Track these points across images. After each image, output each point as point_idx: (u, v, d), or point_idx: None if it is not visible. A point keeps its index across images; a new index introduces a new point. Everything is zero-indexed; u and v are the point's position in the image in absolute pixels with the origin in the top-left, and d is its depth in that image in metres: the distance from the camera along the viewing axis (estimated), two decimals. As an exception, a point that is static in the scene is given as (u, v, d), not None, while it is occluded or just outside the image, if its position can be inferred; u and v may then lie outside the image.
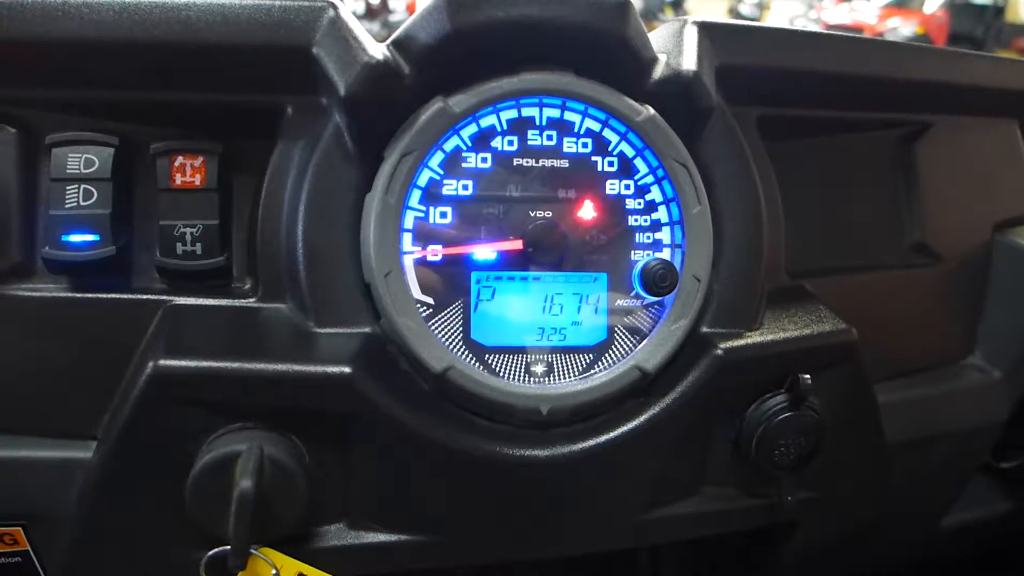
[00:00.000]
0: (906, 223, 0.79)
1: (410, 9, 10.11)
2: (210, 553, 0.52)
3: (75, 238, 0.56)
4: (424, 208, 0.56)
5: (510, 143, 0.57)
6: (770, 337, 0.60)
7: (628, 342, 0.59)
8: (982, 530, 0.96)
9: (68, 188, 0.56)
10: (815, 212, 0.74)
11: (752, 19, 12.43)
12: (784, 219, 0.68)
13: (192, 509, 0.50)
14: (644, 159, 0.59)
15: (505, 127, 0.57)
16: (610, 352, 0.59)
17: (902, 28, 10.45)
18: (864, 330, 0.64)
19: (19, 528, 0.58)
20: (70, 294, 0.56)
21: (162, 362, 0.50)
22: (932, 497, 0.89)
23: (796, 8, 12.94)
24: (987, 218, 0.84)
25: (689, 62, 0.57)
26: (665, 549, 0.84)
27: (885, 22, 10.75)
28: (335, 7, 0.54)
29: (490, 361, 0.57)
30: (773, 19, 13.04)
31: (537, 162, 0.57)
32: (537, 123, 0.57)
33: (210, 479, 0.49)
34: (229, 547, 0.48)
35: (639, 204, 0.59)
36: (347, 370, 0.51)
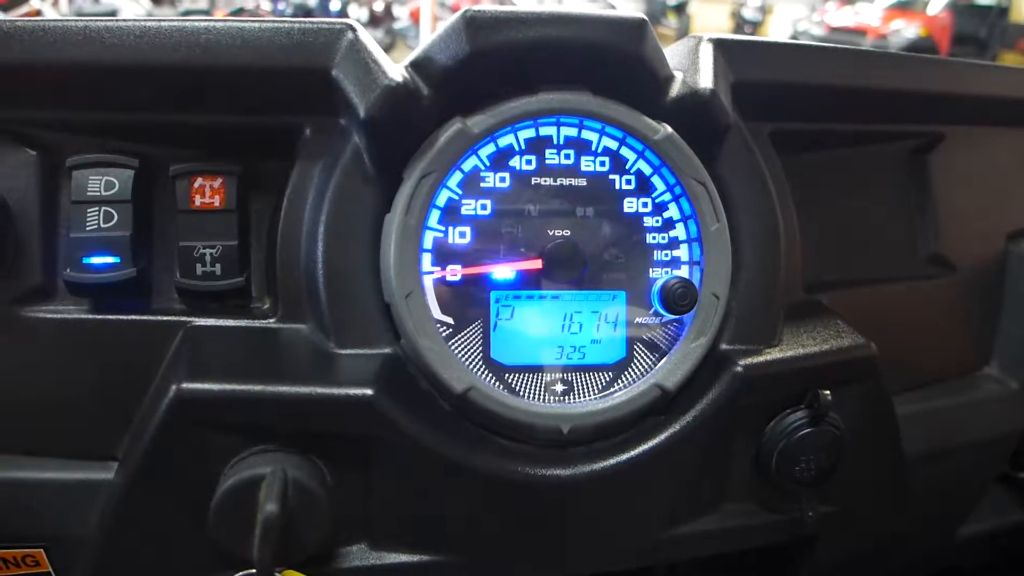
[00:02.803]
0: (920, 234, 0.79)
1: (413, 16, 10.15)
2: (234, 576, 0.52)
3: (96, 260, 0.56)
4: (443, 228, 0.56)
5: (528, 162, 0.57)
6: (790, 353, 0.60)
7: (647, 360, 0.59)
8: (999, 539, 0.96)
9: (89, 210, 0.56)
10: (829, 225, 0.74)
11: (755, 23, 12.44)
12: (799, 233, 0.68)
13: (216, 532, 0.50)
14: (661, 177, 0.59)
15: (523, 146, 0.57)
16: (630, 370, 0.59)
17: (905, 30, 10.44)
18: (880, 342, 0.64)
19: (40, 550, 0.59)
20: (90, 316, 0.57)
21: (185, 385, 0.50)
22: (949, 507, 0.89)
23: (799, 11, 12.94)
24: (1001, 228, 0.84)
25: (706, 80, 0.57)
26: (683, 565, 0.84)
27: (888, 24, 10.74)
28: (354, 30, 0.54)
29: (510, 380, 0.57)
30: (776, 22, 13.04)
31: (555, 181, 0.58)
32: (555, 142, 0.57)
33: (234, 502, 0.49)
34: (253, 570, 0.48)
35: (657, 222, 0.59)
36: (369, 392, 0.51)
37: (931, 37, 10.32)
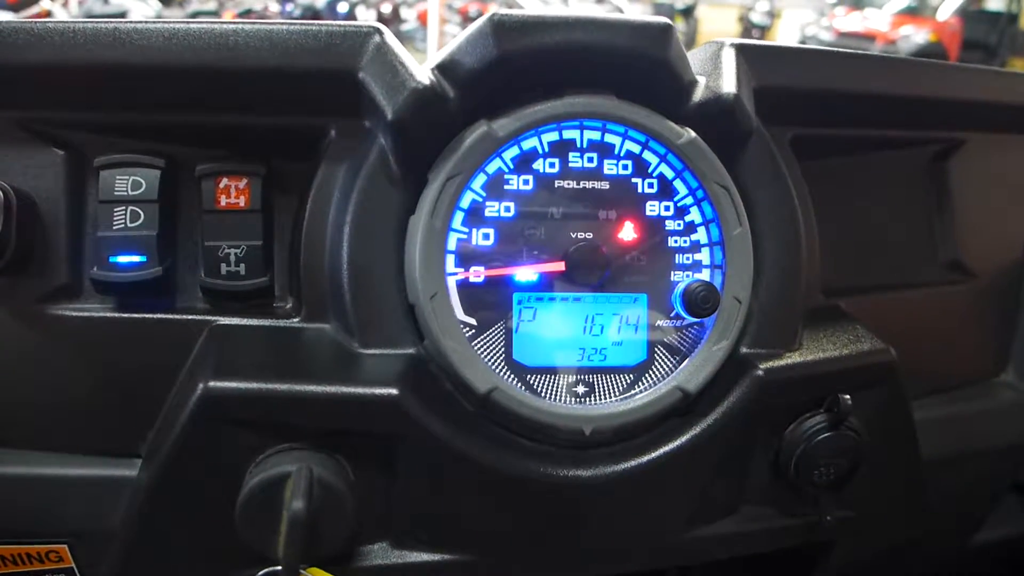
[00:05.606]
0: (939, 240, 0.79)
1: (421, 18, 10.16)
2: (259, 574, 0.52)
3: (123, 259, 0.56)
4: (467, 230, 0.56)
5: (551, 165, 0.57)
6: (810, 357, 0.60)
7: (668, 362, 0.59)
8: (1011, 548, 0.95)
9: (116, 210, 0.57)
10: (849, 230, 0.74)
11: (763, 27, 12.43)
12: (818, 238, 0.68)
13: (242, 529, 0.50)
14: (683, 180, 0.59)
15: (547, 149, 0.57)
16: (650, 372, 0.59)
17: (915, 36, 10.41)
18: (897, 348, 0.64)
19: (64, 545, 0.59)
20: (116, 314, 0.57)
21: (212, 383, 0.51)
22: (964, 515, 0.89)
23: (808, 16, 12.91)
24: (1020, 234, 0.84)
25: (729, 84, 0.58)
26: (696, 568, 0.84)
27: (898, 30, 10.71)
28: (381, 32, 0.54)
29: (532, 382, 0.57)
30: (784, 27, 13.02)
31: (578, 184, 0.58)
32: (578, 145, 0.58)
33: (260, 499, 0.49)
34: (278, 567, 0.48)
35: (679, 225, 0.59)
36: (394, 392, 0.51)
37: (940, 43, 10.28)
